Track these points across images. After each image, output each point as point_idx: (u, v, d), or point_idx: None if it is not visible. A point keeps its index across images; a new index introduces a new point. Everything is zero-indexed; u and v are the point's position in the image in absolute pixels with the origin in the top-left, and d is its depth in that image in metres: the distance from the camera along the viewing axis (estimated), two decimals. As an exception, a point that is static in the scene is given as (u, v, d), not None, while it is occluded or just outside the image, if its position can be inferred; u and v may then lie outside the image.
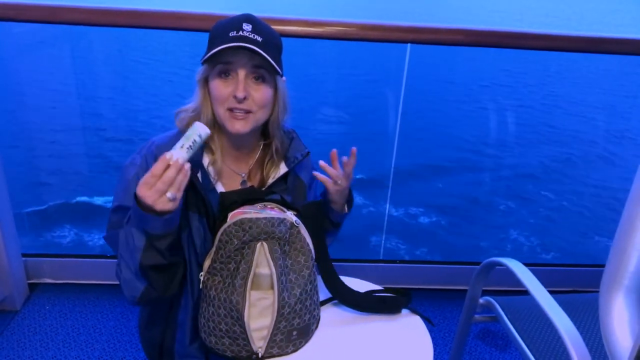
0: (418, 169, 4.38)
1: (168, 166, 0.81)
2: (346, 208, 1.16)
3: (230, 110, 0.98)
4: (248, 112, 0.98)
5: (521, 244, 3.47)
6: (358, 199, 1.21)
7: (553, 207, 3.99)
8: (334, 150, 1.05)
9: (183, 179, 0.83)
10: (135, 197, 0.84)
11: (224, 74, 0.97)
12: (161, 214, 0.84)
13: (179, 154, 0.83)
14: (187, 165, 0.83)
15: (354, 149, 1.05)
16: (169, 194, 0.81)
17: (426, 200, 4.03)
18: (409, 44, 1.98)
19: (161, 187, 0.81)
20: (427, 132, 4.93)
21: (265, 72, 0.98)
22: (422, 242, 3.55)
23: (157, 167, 0.81)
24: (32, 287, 2.01)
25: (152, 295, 0.95)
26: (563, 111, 5.14)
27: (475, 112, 5.08)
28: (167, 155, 0.82)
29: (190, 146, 0.84)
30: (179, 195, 0.84)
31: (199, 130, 0.86)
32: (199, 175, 1.01)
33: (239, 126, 0.98)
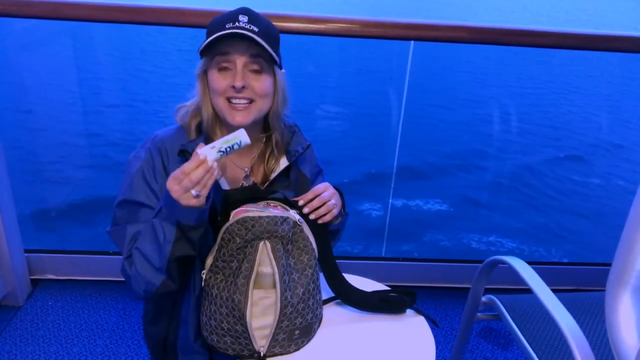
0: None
1: (199, 165, 0.83)
2: (340, 217, 1.12)
3: (229, 101, 0.97)
4: (250, 101, 0.98)
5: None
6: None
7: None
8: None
9: (210, 179, 0.84)
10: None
11: (223, 65, 0.96)
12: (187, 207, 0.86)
13: (211, 154, 0.84)
14: (216, 166, 0.85)
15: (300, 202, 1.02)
16: (193, 191, 0.84)
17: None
18: (412, 41, 1.98)
19: (187, 184, 0.83)
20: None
21: (263, 62, 0.97)
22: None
23: (189, 165, 0.83)
24: (35, 283, 2.01)
25: (168, 289, 0.95)
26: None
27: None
28: (201, 155, 0.83)
29: (226, 149, 0.85)
30: (205, 192, 0.85)
31: (241, 138, 0.86)
32: None
33: (240, 118, 0.98)
